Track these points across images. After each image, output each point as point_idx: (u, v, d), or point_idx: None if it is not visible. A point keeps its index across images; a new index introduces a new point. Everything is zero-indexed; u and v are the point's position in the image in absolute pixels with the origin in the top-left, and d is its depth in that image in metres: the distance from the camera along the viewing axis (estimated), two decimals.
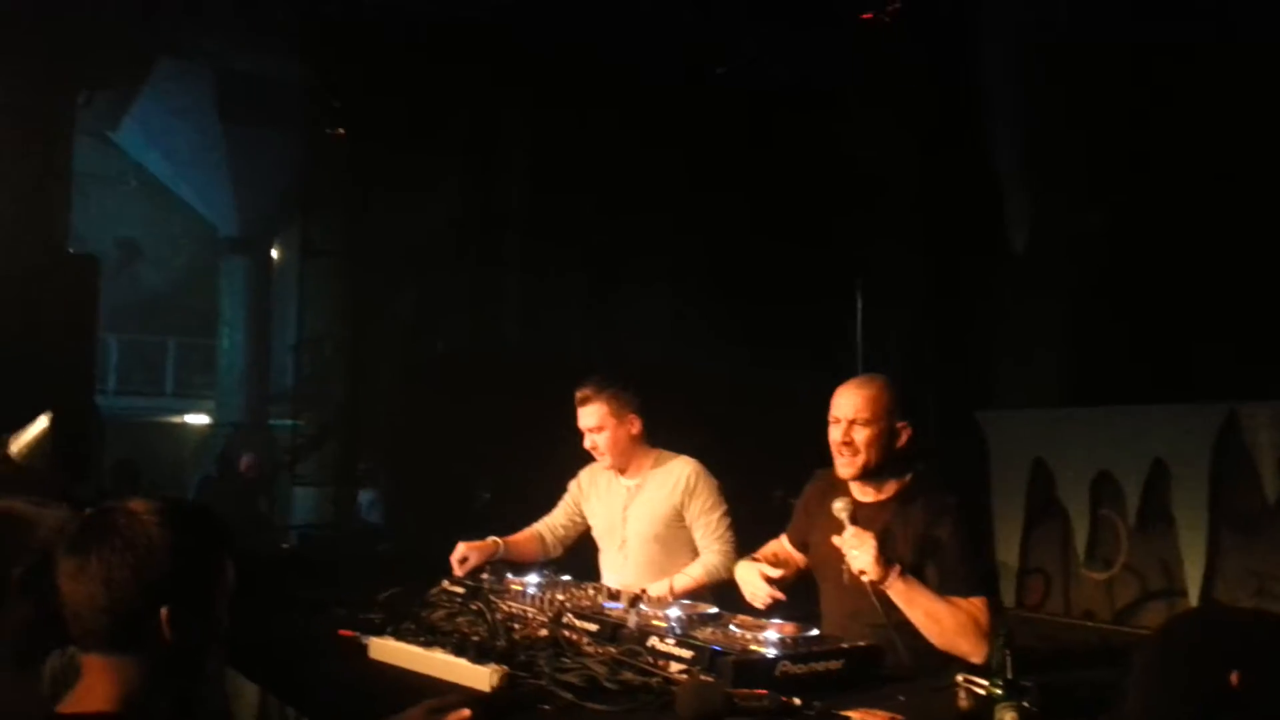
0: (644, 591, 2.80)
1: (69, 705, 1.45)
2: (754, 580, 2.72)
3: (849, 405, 2.66)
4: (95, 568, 1.42)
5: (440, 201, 9.85)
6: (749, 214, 8.71)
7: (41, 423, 2.61)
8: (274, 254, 16.25)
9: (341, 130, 9.86)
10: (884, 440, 2.64)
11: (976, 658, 2.30)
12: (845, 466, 2.68)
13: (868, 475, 2.69)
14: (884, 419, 2.64)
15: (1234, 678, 1.54)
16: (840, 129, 8.30)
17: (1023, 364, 7.63)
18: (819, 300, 8.46)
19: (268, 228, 15.54)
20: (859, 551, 2.46)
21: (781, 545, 2.99)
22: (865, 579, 2.46)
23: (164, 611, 1.43)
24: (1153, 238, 6.78)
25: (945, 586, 2.49)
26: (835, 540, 2.54)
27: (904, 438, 2.66)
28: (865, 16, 7.70)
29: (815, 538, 2.80)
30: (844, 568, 2.58)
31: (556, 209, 9.49)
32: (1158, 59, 6.66)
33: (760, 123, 8.73)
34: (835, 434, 2.68)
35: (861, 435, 2.64)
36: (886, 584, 2.44)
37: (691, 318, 8.91)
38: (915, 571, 2.48)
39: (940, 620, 2.42)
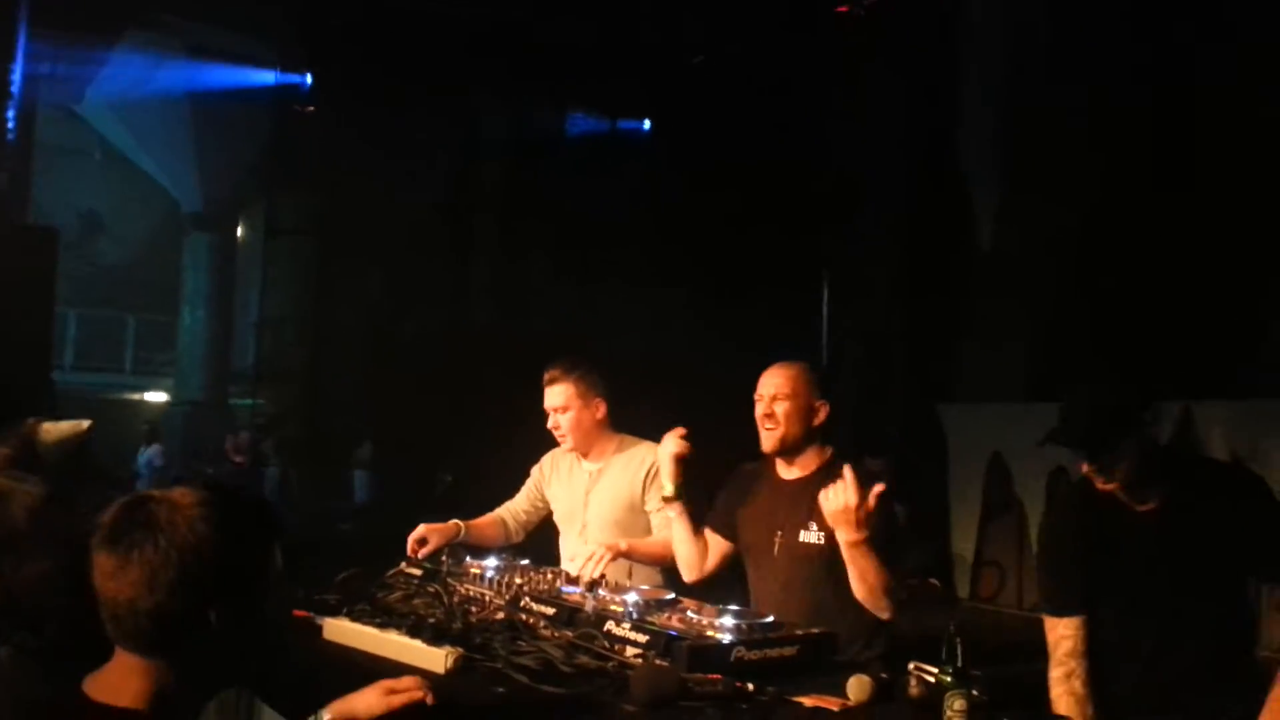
0: (603, 577, 2.81)
1: (100, 692, 1.35)
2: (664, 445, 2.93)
3: (770, 383, 2.88)
4: (136, 569, 1.30)
5: (409, 183, 9.78)
6: (720, 206, 8.71)
7: (80, 424, 2.51)
8: (238, 232, 16.05)
9: (310, 107, 9.76)
10: (803, 415, 2.84)
11: (887, 615, 2.61)
12: (767, 438, 2.87)
13: (788, 450, 2.86)
14: (803, 395, 2.85)
15: None
16: (815, 125, 8.32)
17: (987, 359, 7.71)
18: (786, 293, 8.48)
19: (232, 205, 15.35)
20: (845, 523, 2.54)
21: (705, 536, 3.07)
22: (848, 540, 2.54)
23: (212, 615, 1.33)
24: (1116, 239, 6.87)
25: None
26: (824, 504, 2.58)
27: (821, 415, 2.86)
28: (841, 10, 7.72)
29: (744, 516, 2.94)
30: (776, 539, 2.80)
31: (529, 192, 9.45)
32: (1135, 70, 6.75)
33: (736, 116, 8.73)
34: (759, 409, 2.88)
35: (781, 408, 2.84)
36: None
37: (659, 310, 8.91)
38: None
39: (867, 579, 2.57)
